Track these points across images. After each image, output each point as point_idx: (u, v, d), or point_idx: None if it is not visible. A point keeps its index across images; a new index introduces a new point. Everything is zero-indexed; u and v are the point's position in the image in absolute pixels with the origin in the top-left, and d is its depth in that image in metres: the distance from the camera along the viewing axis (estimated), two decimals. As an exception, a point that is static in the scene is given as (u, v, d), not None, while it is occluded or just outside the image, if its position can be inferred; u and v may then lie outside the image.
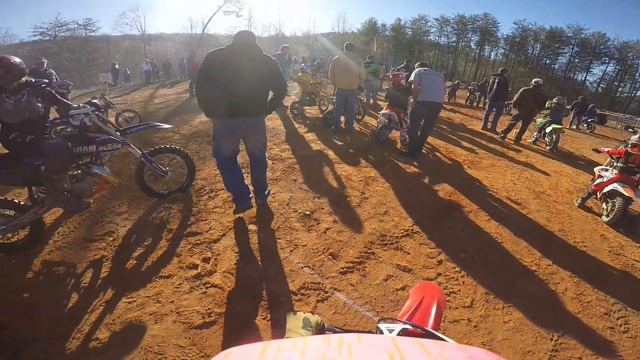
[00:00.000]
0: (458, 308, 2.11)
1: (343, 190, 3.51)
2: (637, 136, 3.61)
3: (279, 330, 1.83)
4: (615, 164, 3.77)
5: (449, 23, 54.32)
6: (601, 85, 48.41)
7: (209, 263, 2.29)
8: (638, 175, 3.63)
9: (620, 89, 47.23)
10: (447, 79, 15.12)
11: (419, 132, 4.83)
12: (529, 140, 7.32)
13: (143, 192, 3.03)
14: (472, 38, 54.62)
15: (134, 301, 1.98)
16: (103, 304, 1.96)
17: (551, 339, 1.98)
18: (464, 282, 2.34)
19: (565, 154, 6.90)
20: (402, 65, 9.38)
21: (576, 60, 48.57)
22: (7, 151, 2.31)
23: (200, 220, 2.79)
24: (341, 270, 2.31)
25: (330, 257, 2.43)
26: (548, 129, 6.80)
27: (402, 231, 2.85)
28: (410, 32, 56.14)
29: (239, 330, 1.83)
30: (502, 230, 3.11)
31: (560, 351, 1.91)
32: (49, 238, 2.56)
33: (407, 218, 3.08)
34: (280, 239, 2.61)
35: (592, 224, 3.55)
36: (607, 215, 3.60)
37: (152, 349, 1.69)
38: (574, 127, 12.08)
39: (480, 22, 52.43)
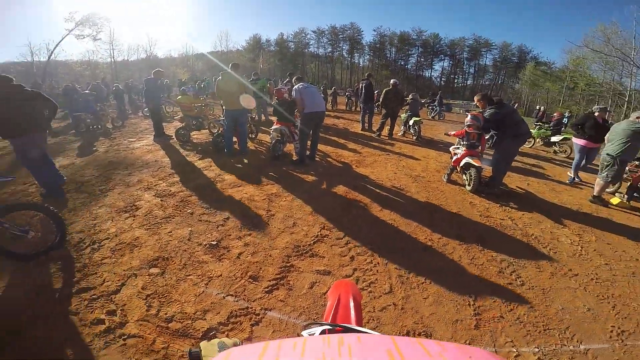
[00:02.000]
0: (381, 296, 2.27)
1: (248, 212, 3.45)
2: (469, 118, 4.63)
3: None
4: (462, 142, 4.76)
5: (324, 34, 59.75)
6: (442, 79, 60.77)
7: (116, 315, 2.03)
8: (479, 147, 4.63)
9: (456, 80, 60.28)
10: (328, 88, 16.46)
11: (309, 141, 5.15)
12: (399, 134, 8.62)
13: (3, 258, 2.45)
14: (344, 47, 61.22)
15: None
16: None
17: (469, 305, 2.24)
18: (377, 270, 2.56)
19: (428, 140, 8.40)
20: (287, 80, 9.74)
21: (422, 59, 59.78)
22: None
23: (89, 274, 2.42)
24: (266, 289, 2.28)
25: (251, 280, 2.37)
26: (411, 122, 8.16)
27: (312, 238, 2.97)
28: (292, 46, 59.38)
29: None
30: (395, 215, 3.57)
31: (482, 313, 2.17)
32: None
33: (314, 225, 3.23)
34: (190, 275, 2.42)
35: (461, 194, 4.40)
36: (469, 185, 4.52)
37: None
38: (431, 117, 14.85)
39: (349, 31, 59.24)
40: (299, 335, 0.80)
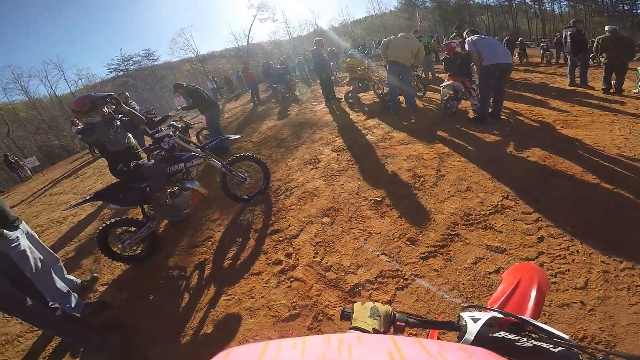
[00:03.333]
0: (568, 290, 1.80)
1: (415, 171, 3.33)
2: None
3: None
4: None
5: None
6: None
7: (291, 258, 2.41)
8: None
9: None
10: (515, 40, 13.43)
11: (492, 98, 4.41)
12: (634, 91, 6.10)
13: (229, 199, 3.34)
14: None
15: (232, 298, 2.19)
16: (208, 303, 2.20)
17: None
18: (573, 260, 1.98)
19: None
20: (455, 34, 8.67)
21: (666, -1, 39.11)
22: (119, 180, 2.77)
23: (281, 218, 2.97)
24: (422, 255, 2.17)
25: (408, 242, 2.31)
26: (656, 77, 5.58)
27: (489, 208, 2.55)
28: None
29: (320, 321, 1.87)
30: (619, 195, 2.57)
31: None
32: (163, 248, 3.01)
33: (494, 192, 2.75)
34: (353, 228, 2.60)
35: None
36: None
37: (248, 341, 1.82)
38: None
39: None
40: (459, 316, 0.65)
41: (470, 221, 2.44)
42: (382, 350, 0.37)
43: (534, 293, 0.82)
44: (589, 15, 41.99)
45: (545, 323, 1.77)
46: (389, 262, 2.17)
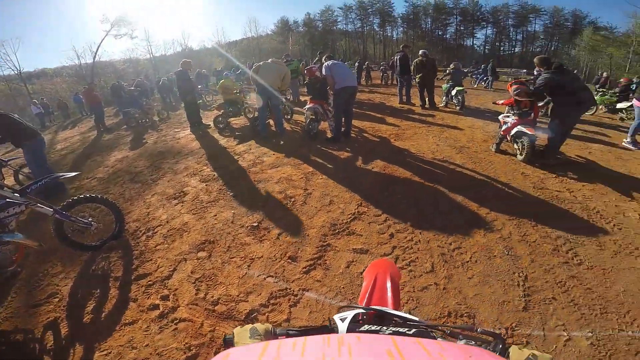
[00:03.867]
0: (422, 275, 2.19)
1: (286, 192, 3.50)
2: (514, 87, 4.26)
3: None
4: (512, 111, 4.36)
5: (352, 10, 57.25)
6: (486, 47, 55.67)
7: (169, 300, 2.19)
8: (532, 114, 4.23)
9: (502, 48, 54.91)
10: (361, 63, 15.90)
11: (344, 119, 5.06)
12: (441, 105, 8.13)
13: (72, 249, 2.73)
14: (374, 21, 58.28)
15: (109, 352, 1.87)
16: (79, 362, 1.77)
17: (518, 285, 2.09)
18: (418, 248, 2.46)
19: (473, 110, 7.81)
20: (317, 59, 9.60)
21: (462, 28, 55.08)
22: None
23: (146, 261, 2.64)
24: (304, 270, 2.31)
25: (289, 260, 2.42)
26: (453, 92, 7.63)
27: (349, 216, 2.94)
28: (320, 24, 57.74)
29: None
30: (438, 189, 3.40)
31: (532, 294, 2.02)
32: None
33: (351, 202, 3.19)
34: (234, 257, 2.54)
35: (512, 165, 4.06)
36: (521, 154, 4.15)
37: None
38: (476, 85, 13.82)
39: (378, 4, 56.14)
40: (330, 319, 0.76)
41: (337, 230, 2.74)
42: (382, 350, 0.37)
43: (389, 285, 0.92)
44: (415, 40, 53.83)
45: (403, 308, 2.04)
46: (277, 282, 2.22)
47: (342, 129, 5.16)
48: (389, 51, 51.58)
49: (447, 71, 8.13)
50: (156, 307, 2.16)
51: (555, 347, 1.73)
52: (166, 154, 5.44)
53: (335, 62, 4.99)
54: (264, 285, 2.21)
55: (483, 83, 13.84)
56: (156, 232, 3.05)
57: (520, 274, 2.20)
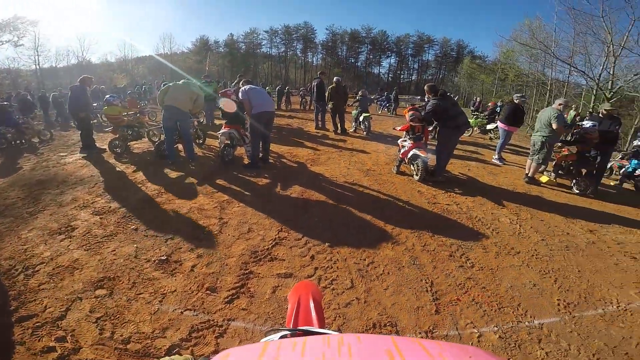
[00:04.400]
0: (344, 292, 2.28)
1: (199, 223, 3.28)
2: (409, 113, 4.93)
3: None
4: (408, 135, 4.98)
5: (278, 34, 58.86)
6: (390, 75, 63.40)
7: (66, 341, 1.89)
8: (424, 138, 4.88)
9: (402, 76, 63.17)
10: (284, 89, 16.32)
11: (261, 143, 5.02)
12: (351, 130, 8.82)
13: None
14: (297, 46, 61.00)
15: None
16: None
17: (427, 290, 2.32)
18: (338, 267, 2.57)
19: (377, 135, 8.71)
20: (236, 82, 9.29)
21: (371, 56, 61.71)
22: None
23: (28, 301, 2.22)
24: (226, 300, 2.20)
25: (208, 292, 2.27)
26: (361, 118, 8.39)
27: (270, 242, 2.91)
28: (243, 46, 57.59)
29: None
30: (350, 210, 3.62)
31: (440, 298, 2.26)
32: None
33: (271, 228, 3.16)
34: (142, 293, 2.26)
35: (410, 184, 4.60)
36: (417, 174, 4.74)
37: None
38: (387, 111, 15.53)
39: (302, 30, 59.07)
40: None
41: (258, 257, 2.67)
42: (382, 350, 0.36)
43: (312, 305, 0.92)
44: (332, 67, 57.74)
45: (330, 326, 2.03)
46: (197, 315, 2.06)
47: (260, 154, 5.11)
48: (309, 76, 54.38)
49: (357, 98, 8.92)
50: (52, 349, 1.86)
51: (472, 343, 1.93)
52: (48, 183, 4.51)
53: (253, 86, 4.93)
54: (182, 319, 2.03)
55: (386, 109, 15.65)
56: (38, 270, 2.56)
57: (427, 281, 2.45)
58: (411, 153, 4.74)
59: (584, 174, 4.96)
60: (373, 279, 2.44)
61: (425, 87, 4.93)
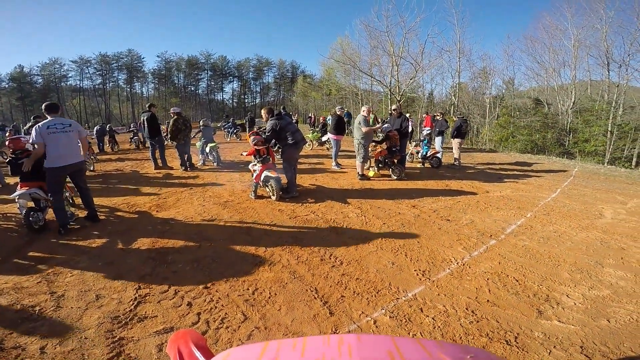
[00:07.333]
0: (240, 326, 2.20)
1: (22, 303, 2.53)
2: (251, 137, 5.29)
3: None
4: (256, 159, 5.18)
5: (91, 64, 49.20)
6: (234, 100, 64.19)
7: None
8: (270, 159, 5.18)
9: (246, 100, 65.00)
10: (106, 125, 13.81)
11: (80, 198, 4.15)
12: (199, 164, 8.44)
13: None
14: (120, 77, 52.95)
15: None
16: None
17: (314, 298, 2.47)
18: (222, 305, 2.43)
19: (229, 163, 8.69)
20: (31, 124, 6.98)
21: (212, 82, 60.66)
22: None
23: None
24: None
25: None
26: (207, 149, 8.18)
27: (130, 303, 2.49)
28: (40, 80, 45.87)
29: None
30: (215, 246, 3.49)
31: (328, 300, 2.44)
32: None
33: (125, 289, 2.70)
34: None
35: (270, 205, 4.81)
36: (273, 194, 5.03)
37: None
38: (235, 137, 15.58)
39: (125, 59, 51.53)
40: None
41: (123, 321, 2.27)
42: (382, 350, 0.37)
43: (197, 352, 0.85)
44: (168, 97, 53.01)
45: None
46: None
47: (88, 212, 4.18)
48: (139, 109, 48.24)
49: (199, 128, 8.61)
50: None
51: (372, 331, 2.13)
52: None
53: (54, 127, 3.74)
54: None
55: (234, 136, 15.81)
56: None
57: (311, 289, 2.63)
58: (263, 175, 5.02)
59: (395, 162, 6.56)
60: (264, 304, 2.44)
61: (262, 111, 5.32)
